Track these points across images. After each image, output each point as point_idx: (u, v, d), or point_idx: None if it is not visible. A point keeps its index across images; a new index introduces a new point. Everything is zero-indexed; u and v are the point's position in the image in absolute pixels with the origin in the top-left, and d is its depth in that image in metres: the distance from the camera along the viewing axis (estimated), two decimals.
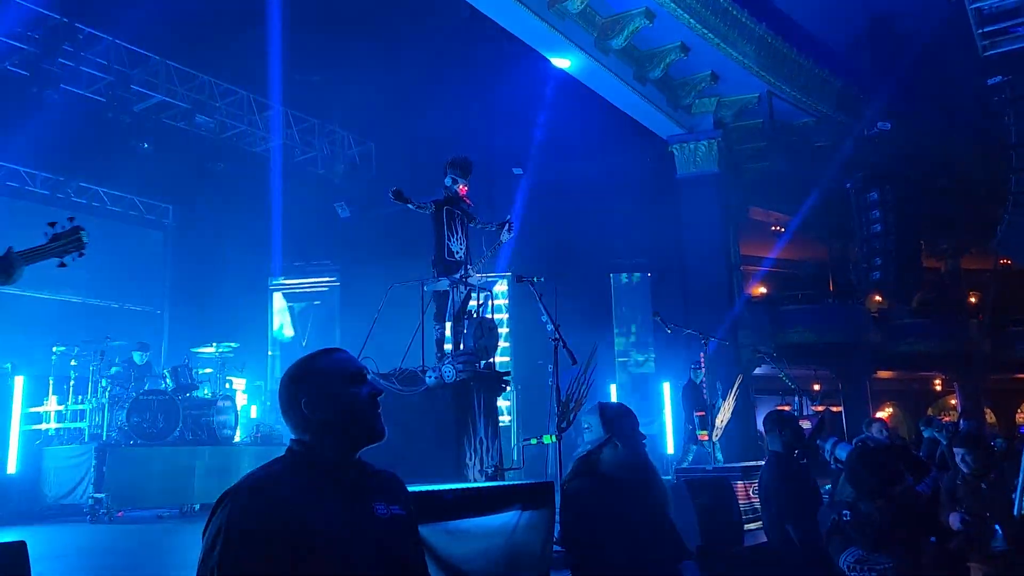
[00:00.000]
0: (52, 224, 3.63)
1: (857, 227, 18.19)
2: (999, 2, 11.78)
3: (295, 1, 11.97)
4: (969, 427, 7.34)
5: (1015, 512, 4.75)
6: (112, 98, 12.22)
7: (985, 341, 20.35)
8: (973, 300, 22.90)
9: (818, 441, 6.00)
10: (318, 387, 1.99)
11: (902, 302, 19.85)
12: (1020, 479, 4.75)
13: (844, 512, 3.99)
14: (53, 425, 10.02)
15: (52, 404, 10.08)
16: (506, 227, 7.60)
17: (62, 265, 3.66)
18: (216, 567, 1.73)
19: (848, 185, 17.88)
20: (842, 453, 5.19)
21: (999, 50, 12.66)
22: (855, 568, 3.88)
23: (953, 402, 21.93)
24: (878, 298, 19.76)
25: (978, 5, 11.80)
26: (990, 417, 21.08)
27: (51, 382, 10.25)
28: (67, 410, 9.94)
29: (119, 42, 11.98)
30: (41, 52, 11.26)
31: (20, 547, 2.22)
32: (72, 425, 9.87)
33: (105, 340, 10.36)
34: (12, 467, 9.24)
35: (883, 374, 20.40)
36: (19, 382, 9.59)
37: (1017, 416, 22.78)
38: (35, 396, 10.09)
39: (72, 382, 10.08)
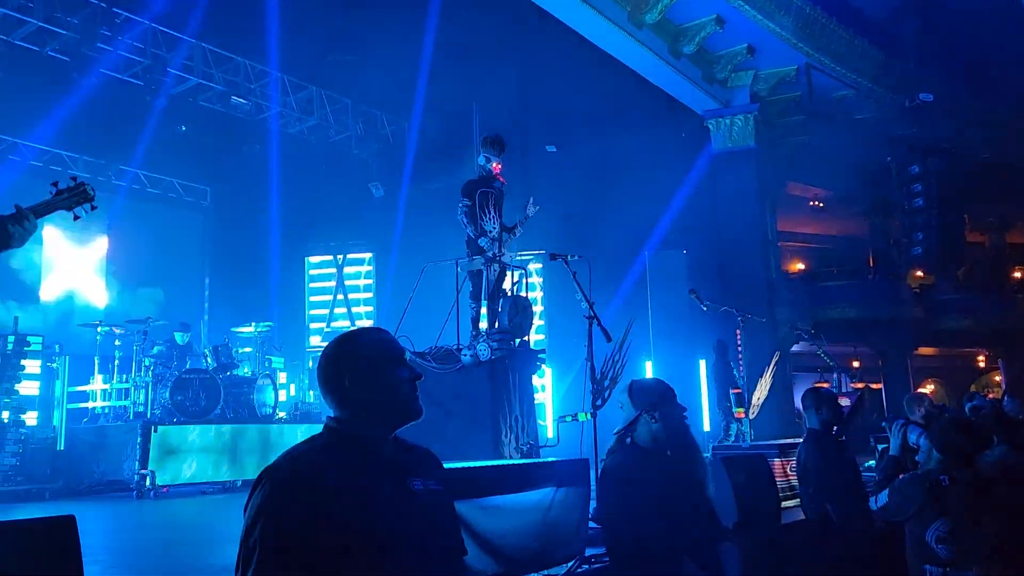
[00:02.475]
0: (55, 183, 3.71)
1: (898, 201, 17.83)
2: None
3: None
4: (1013, 404, 7.14)
5: None
6: (149, 81, 12.36)
7: None
8: (1019, 275, 22.30)
9: (883, 422, 5.90)
10: (361, 367, 2.01)
11: (945, 277, 19.40)
12: None
13: (943, 477, 3.90)
14: (99, 403, 10.26)
15: (98, 383, 10.32)
16: (529, 202, 7.56)
17: (76, 218, 3.75)
18: (258, 543, 1.76)
19: (889, 159, 17.50)
20: (912, 436, 5.12)
21: None
22: (944, 540, 3.81)
23: (998, 379, 21.45)
24: (920, 273, 19.33)
25: None
26: None
27: (96, 361, 10.49)
28: (112, 389, 10.17)
29: (155, 26, 12.09)
30: (80, 37, 11.41)
31: (69, 521, 2.27)
32: (117, 403, 10.09)
33: (148, 320, 10.55)
34: (61, 444, 9.50)
35: (924, 351, 20.01)
36: (65, 361, 9.82)
37: None
38: (81, 375, 10.34)
39: (116, 361, 10.29)
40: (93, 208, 3.83)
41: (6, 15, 10.77)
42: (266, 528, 1.77)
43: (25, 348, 9.51)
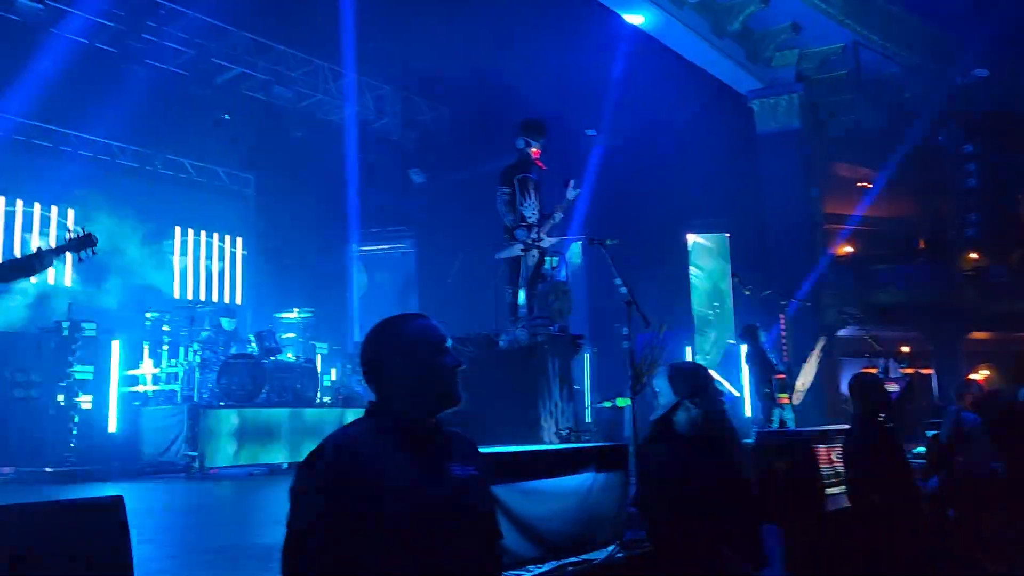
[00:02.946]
0: (70, 230, 4.73)
1: (950, 181, 17.36)
2: None
3: None
4: None
5: None
6: (194, 71, 12.57)
7: None
8: None
9: (949, 407, 5.79)
10: (405, 353, 2.04)
11: (999, 260, 18.84)
12: None
13: (995, 466, 3.84)
14: (149, 387, 10.50)
15: (147, 367, 10.57)
16: (571, 184, 7.45)
17: (80, 260, 4.64)
18: (304, 524, 1.81)
19: (940, 138, 17.02)
20: (949, 422, 5.05)
21: None
22: (995, 533, 3.76)
23: None
24: (973, 256, 18.78)
25: None
26: None
27: (146, 346, 10.72)
28: (161, 373, 10.40)
29: (199, 16, 12.25)
30: (127, 29, 11.65)
31: (118, 502, 2.33)
32: (166, 387, 10.32)
33: (195, 306, 10.76)
34: (112, 426, 9.74)
35: (977, 335, 19.44)
36: (116, 346, 10.05)
37: None
38: (131, 359, 10.59)
39: (165, 346, 10.52)
40: (94, 254, 4.68)
41: (56, 8, 11.02)
42: (310, 510, 1.81)
43: (78, 333, 9.76)
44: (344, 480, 1.82)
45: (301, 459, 1.95)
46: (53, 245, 4.55)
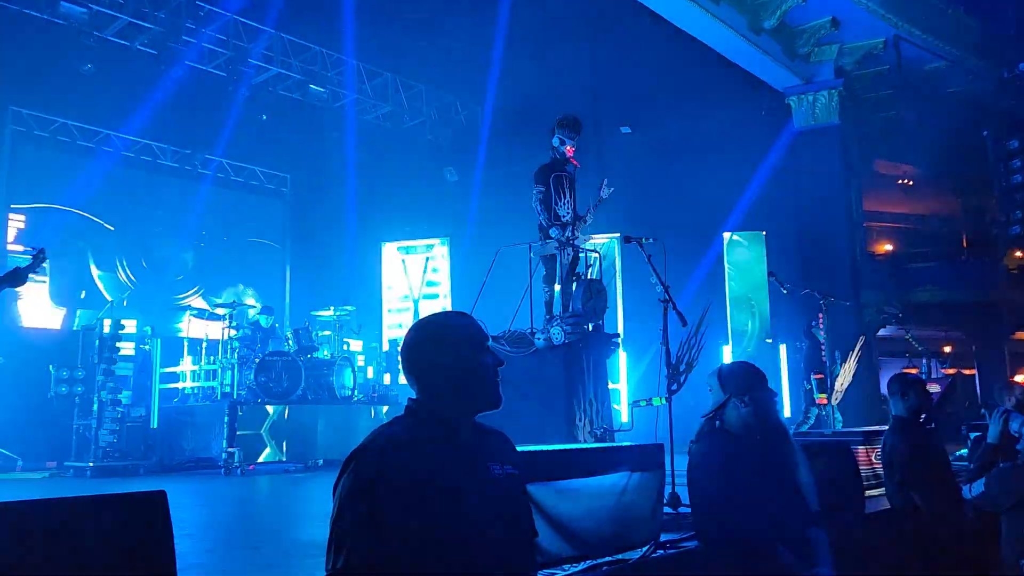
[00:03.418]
0: (33, 249, 6.08)
1: (995, 178, 16.91)
2: None
3: None
4: None
5: None
6: (231, 72, 12.73)
7: None
8: None
9: (983, 410, 5.69)
10: (447, 351, 2.03)
11: None
12: None
13: None
14: (189, 384, 10.67)
15: (187, 364, 10.73)
16: (603, 183, 7.46)
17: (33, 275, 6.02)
18: (348, 524, 1.81)
19: (985, 133, 16.61)
20: (1014, 424, 4.93)
21: None
22: None
23: None
24: (1019, 254, 18.31)
25: None
26: None
27: (185, 344, 10.90)
28: (200, 370, 10.55)
29: (237, 17, 12.42)
30: (166, 31, 11.84)
31: (161, 496, 2.36)
32: (205, 384, 10.47)
33: (233, 304, 10.90)
34: (154, 422, 9.93)
35: (1022, 335, 19.04)
36: (156, 344, 10.24)
37: None
38: (171, 357, 10.77)
39: (204, 344, 10.68)
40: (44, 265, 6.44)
41: (98, 12, 11.25)
42: (354, 510, 1.82)
43: (120, 331, 9.97)
44: (387, 480, 1.83)
45: (336, 456, 1.98)
46: None
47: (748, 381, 3.62)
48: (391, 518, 1.81)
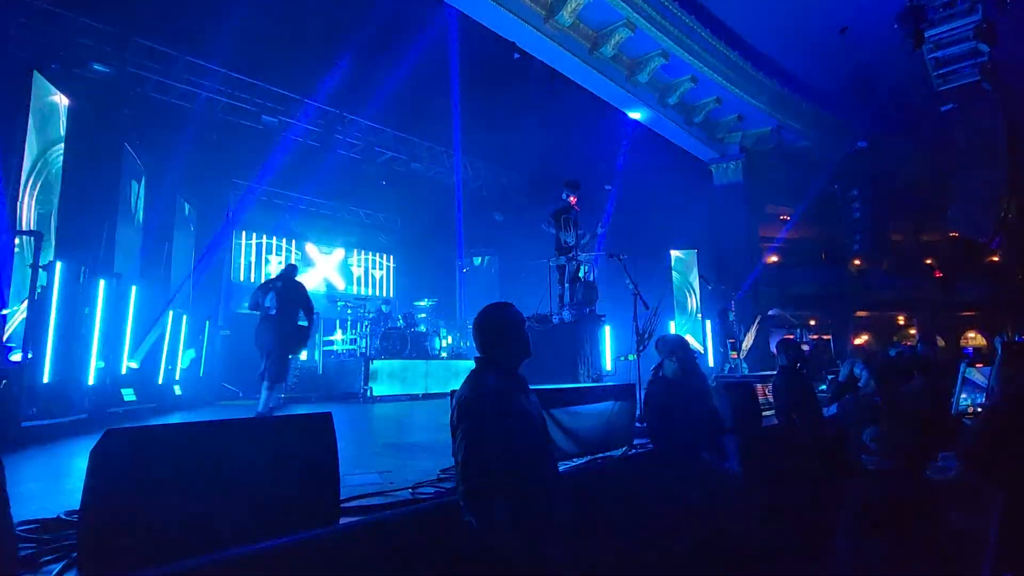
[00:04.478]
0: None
1: (842, 214, 16.59)
2: (949, 52, 10.42)
3: (467, 80, 11.88)
4: (925, 349, 6.52)
5: (952, 411, 4.26)
6: (364, 156, 12.89)
7: (938, 291, 18.05)
8: (929, 262, 20.23)
9: (838, 360, 5.57)
10: (509, 327, 2.12)
11: (875, 265, 17.92)
12: (958, 384, 4.26)
13: (876, 398, 3.70)
14: (340, 347, 10.84)
15: (339, 335, 10.90)
16: (599, 224, 7.48)
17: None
18: (477, 431, 1.91)
19: (836, 186, 16.26)
20: (857, 369, 4.83)
21: (949, 85, 11.23)
22: (875, 440, 3.62)
23: (913, 332, 19.61)
24: (857, 262, 17.90)
25: (934, 55, 10.49)
26: (940, 343, 18.72)
27: (337, 322, 11.07)
28: (347, 338, 10.71)
29: (367, 122, 12.55)
30: (324, 131, 12.03)
31: (328, 416, 2.43)
32: (351, 347, 10.62)
33: (366, 299, 11.02)
34: (320, 369, 10.10)
35: (861, 313, 18.56)
36: (321, 323, 10.39)
37: (960, 342, 20.07)
38: (329, 329, 10.96)
39: (349, 322, 10.83)
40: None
41: (285, 122, 11.42)
42: (472, 423, 1.91)
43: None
44: (504, 405, 1.92)
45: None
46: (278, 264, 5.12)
47: (675, 347, 3.62)
48: (502, 427, 1.89)
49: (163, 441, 1.98)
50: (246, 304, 6.67)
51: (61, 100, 6.03)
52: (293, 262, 10.36)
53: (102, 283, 6.12)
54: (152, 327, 7.66)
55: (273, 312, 6.13)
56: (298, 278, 6.73)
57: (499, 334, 2.12)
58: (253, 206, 12.42)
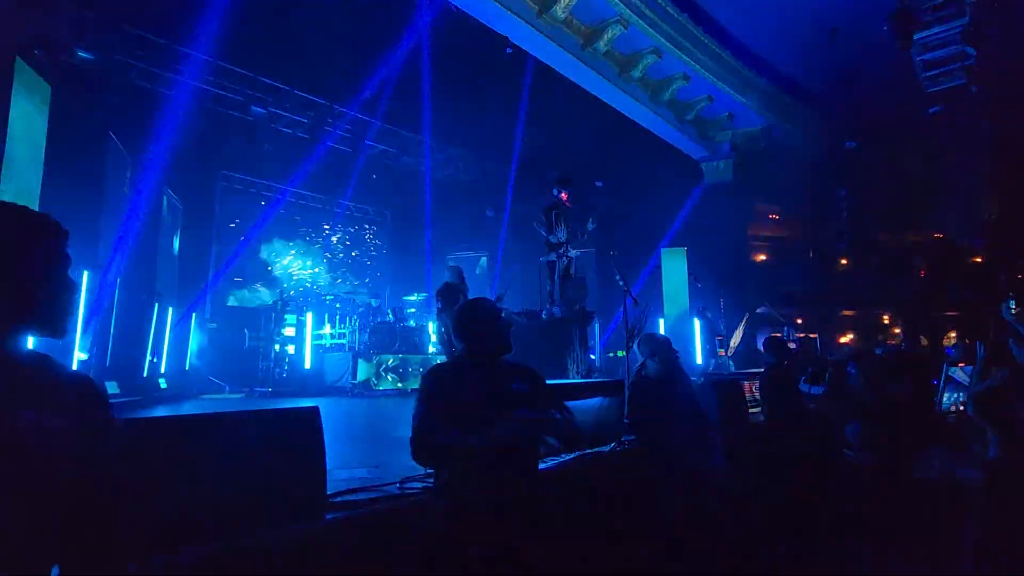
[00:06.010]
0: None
1: (831, 214, 16.77)
2: (937, 54, 10.60)
3: (461, 75, 11.74)
4: (908, 348, 6.63)
5: (939, 408, 4.34)
6: (355, 148, 12.76)
7: (922, 290, 18.33)
8: (914, 262, 20.52)
9: (828, 356, 5.62)
10: (480, 321, 2.15)
11: (862, 264, 18.14)
12: (941, 383, 4.34)
13: (870, 395, 3.76)
14: (329, 341, 10.77)
15: (328, 329, 10.83)
16: (590, 220, 7.47)
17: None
18: (417, 409, 2.02)
19: (824, 186, 16.41)
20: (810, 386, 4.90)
21: (938, 87, 11.38)
22: (856, 436, 3.69)
23: (897, 330, 19.91)
24: (844, 261, 18.12)
25: (922, 57, 10.64)
26: (924, 342, 19.04)
27: (326, 316, 11.00)
28: (335, 332, 10.64)
29: (359, 115, 12.39)
30: (313, 123, 11.91)
31: (315, 410, 2.41)
32: (339, 341, 10.55)
33: (355, 292, 10.94)
34: (308, 364, 10.05)
35: (846, 312, 18.82)
36: (309, 316, 10.33)
37: (943, 341, 20.45)
38: (318, 323, 10.87)
39: (338, 316, 10.76)
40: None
41: (272, 112, 11.30)
42: (421, 402, 2.03)
43: (286, 309, 10.09)
44: (435, 388, 2.03)
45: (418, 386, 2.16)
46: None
47: (657, 347, 3.65)
48: (435, 407, 1.99)
49: (146, 435, 1.95)
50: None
51: (44, 87, 5.89)
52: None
53: (85, 275, 6.01)
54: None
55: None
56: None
57: (467, 328, 2.20)
58: (243, 198, 12.26)
